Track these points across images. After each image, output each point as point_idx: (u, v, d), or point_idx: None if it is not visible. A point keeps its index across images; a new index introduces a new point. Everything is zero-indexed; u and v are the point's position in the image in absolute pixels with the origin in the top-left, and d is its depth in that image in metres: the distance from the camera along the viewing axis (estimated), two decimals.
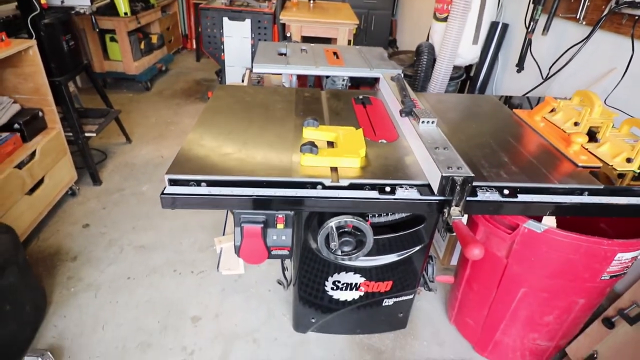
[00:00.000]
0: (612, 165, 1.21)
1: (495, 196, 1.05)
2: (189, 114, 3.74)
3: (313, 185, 1.04)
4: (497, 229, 1.33)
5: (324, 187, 1.04)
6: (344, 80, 2.06)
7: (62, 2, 2.33)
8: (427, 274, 1.61)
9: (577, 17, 1.84)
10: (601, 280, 1.30)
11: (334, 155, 1.10)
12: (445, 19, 2.48)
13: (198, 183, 1.02)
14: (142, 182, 2.64)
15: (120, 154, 2.98)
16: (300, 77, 2.21)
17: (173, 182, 1.02)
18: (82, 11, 2.36)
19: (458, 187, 0.97)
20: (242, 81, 2.70)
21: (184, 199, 1.00)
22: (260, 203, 1.02)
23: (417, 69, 2.61)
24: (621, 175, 1.19)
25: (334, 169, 1.10)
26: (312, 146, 1.08)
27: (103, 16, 3.72)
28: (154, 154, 3.00)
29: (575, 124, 1.41)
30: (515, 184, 1.08)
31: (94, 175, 2.58)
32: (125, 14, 3.80)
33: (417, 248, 1.44)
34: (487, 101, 1.70)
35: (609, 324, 1.43)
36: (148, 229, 2.24)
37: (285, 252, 1.16)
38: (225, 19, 3.51)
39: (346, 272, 1.47)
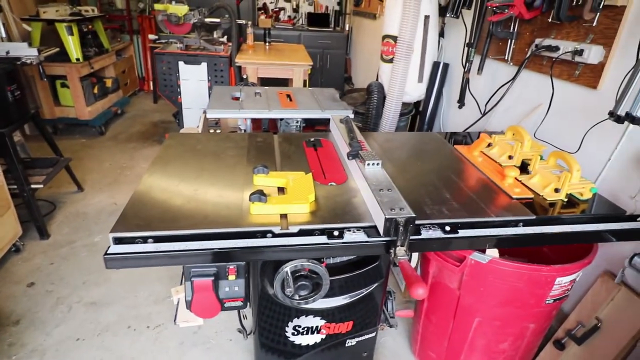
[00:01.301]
0: (542, 196, 1.30)
1: (437, 233, 1.10)
2: (146, 157, 3.67)
3: (263, 234, 1.05)
4: (447, 262, 1.38)
5: (274, 235, 1.06)
6: (297, 121, 2.12)
7: (8, 52, 2.28)
8: (387, 310, 1.63)
9: (505, 58, 2.02)
10: (546, 304, 1.36)
11: (283, 203, 1.12)
12: (391, 60, 2.64)
13: (144, 240, 1.00)
14: (94, 232, 2.53)
15: (71, 203, 2.85)
16: (255, 120, 2.25)
17: (118, 241, 0.99)
18: (29, 62, 2.32)
19: (401, 228, 1.02)
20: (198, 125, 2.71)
21: (130, 258, 0.97)
22: (210, 256, 1.01)
23: (368, 107, 2.73)
24: (552, 205, 1.28)
25: (284, 216, 1.12)
26: (260, 195, 1.10)
27: (53, 62, 3.66)
28: (107, 201, 2.90)
29: (510, 157, 1.53)
30: (456, 220, 1.14)
31: (41, 229, 2.45)
32: (77, 59, 3.76)
33: (375, 285, 1.46)
34: (431, 139, 1.81)
35: (560, 345, 1.49)
36: (100, 283, 2.13)
37: (239, 303, 1.14)
38: (181, 63, 3.55)
39: (306, 316, 1.45)
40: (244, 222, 1.07)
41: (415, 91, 2.73)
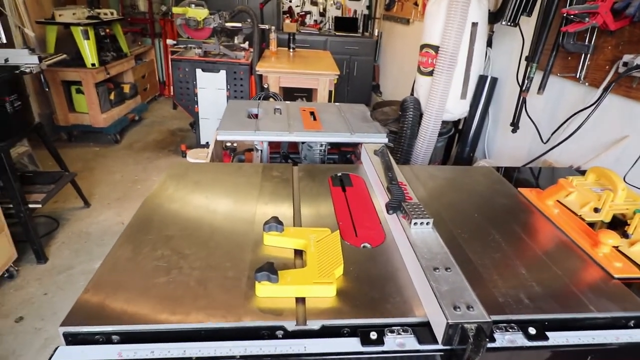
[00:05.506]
0: None
1: (519, 339, 0.77)
2: (160, 169, 3.46)
3: (271, 332, 0.76)
4: None
5: (286, 334, 0.76)
6: (322, 145, 1.83)
7: (6, 60, 2.09)
8: None
9: (577, 76, 1.67)
10: None
11: (300, 283, 0.82)
12: (430, 73, 2.31)
13: (108, 338, 0.73)
14: (96, 256, 2.31)
15: (75, 221, 2.65)
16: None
17: (72, 339, 0.72)
18: (28, 70, 2.12)
19: (471, 340, 0.70)
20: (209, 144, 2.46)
21: None
22: None
23: (402, 125, 2.41)
24: None
25: (301, 300, 0.82)
26: (270, 273, 0.80)
27: (68, 67, 3.51)
28: (114, 219, 2.68)
29: (596, 210, 1.18)
30: (543, 316, 0.81)
31: (39, 252, 2.24)
32: (93, 65, 3.60)
33: None
34: (484, 176, 1.47)
35: None
36: None
37: None
38: (198, 71, 3.33)
39: None
40: (246, 308, 0.78)
41: (457, 109, 2.39)
